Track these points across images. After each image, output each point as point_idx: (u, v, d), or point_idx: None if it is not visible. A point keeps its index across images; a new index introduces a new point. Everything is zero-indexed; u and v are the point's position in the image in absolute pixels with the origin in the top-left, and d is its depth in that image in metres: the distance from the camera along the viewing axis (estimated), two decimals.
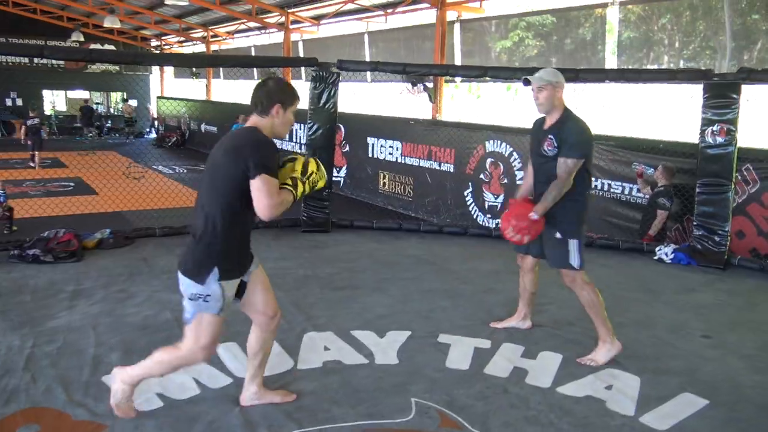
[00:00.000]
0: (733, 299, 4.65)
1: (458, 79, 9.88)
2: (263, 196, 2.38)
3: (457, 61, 9.99)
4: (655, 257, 5.65)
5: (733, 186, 5.43)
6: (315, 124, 6.29)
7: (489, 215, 8.49)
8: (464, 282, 4.89)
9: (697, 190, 5.50)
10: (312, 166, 2.59)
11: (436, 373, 3.31)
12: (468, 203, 8.79)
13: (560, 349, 3.63)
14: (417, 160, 9.54)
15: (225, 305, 2.53)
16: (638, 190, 6.71)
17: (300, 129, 12.84)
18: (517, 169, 8.02)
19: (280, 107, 2.51)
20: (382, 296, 4.49)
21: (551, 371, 3.37)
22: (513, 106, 14.04)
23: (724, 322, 4.15)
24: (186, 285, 2.51)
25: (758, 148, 6.08)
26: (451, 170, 8.99)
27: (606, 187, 7.23)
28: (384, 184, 10.29)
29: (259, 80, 2.63)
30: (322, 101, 6.25)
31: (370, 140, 10.43)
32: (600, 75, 6.05)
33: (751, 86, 5.36)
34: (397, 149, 9.90)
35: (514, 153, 8.04)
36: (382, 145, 10.23)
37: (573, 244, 3.42)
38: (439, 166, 9.16)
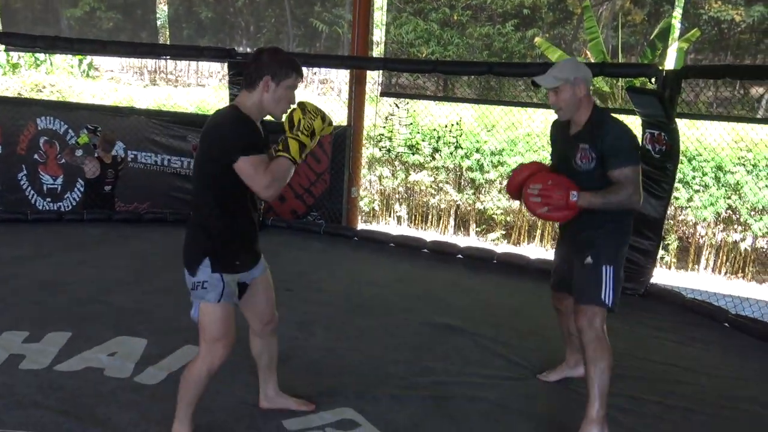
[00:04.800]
0: None
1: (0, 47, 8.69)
2: (251, 179, 2.17)
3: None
4: None
5: None
6: None
7: (49, 198, 7.79)
8: None
9: None
10: (297, 114, 2.25)
11: None
12: (24, 187, 7.90)
13: (71, 327, 3.53)
14: None
15: (226, 292, 2.31)
16: None
17: None
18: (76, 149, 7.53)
19: (269, 80, 2.23)
20: None
21: (53, 351, 3.25)
22: (84, 80, 13.10)
23: None
24: (186, 278, 2.33)
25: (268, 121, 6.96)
26: (0, 151, 7.93)
27: (167, 162, 7.31)
28: None
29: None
30: None
31: None
32: (128, 48, 6.03)
33: None
34: None
35: (70, 130, 7.50)
36: None
37: (606, 272, 2.62)
38: None
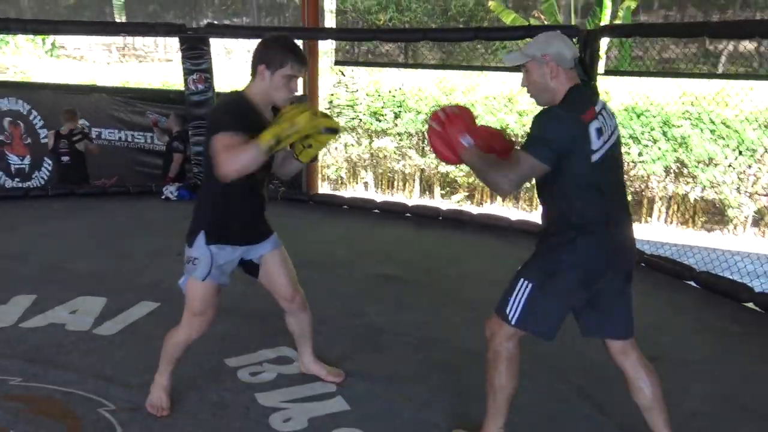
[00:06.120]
0: None
1: None
2: (216, 154, 2.15)
3: None
4: (163, 196, 6.25)
5: None
6: None
7: (18, 179, 8.00)
8: None
9: (190, 132, 6.24)
10: (285, 129, 2.09)
11: None
12: None
13: (36, 291, 3.83)
14: None
15: (213, 273, 2.42)
16: (157, 139, 7.20)
17: None
18: (39, 127, 7.72)
19: (264, 69, 2.25)
20: None
21: (19, 311, 3.56)
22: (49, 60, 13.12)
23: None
24: (185, 251, 2.44)
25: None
26: None
27: (130, 138, 7.54)
28: None
29: None
30: None
31: None
32: (81, 27, 6.21)
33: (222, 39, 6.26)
34: None
35: (33, 110, 7.69)
36: None
37: (522, 287, 2.20)
38: None
